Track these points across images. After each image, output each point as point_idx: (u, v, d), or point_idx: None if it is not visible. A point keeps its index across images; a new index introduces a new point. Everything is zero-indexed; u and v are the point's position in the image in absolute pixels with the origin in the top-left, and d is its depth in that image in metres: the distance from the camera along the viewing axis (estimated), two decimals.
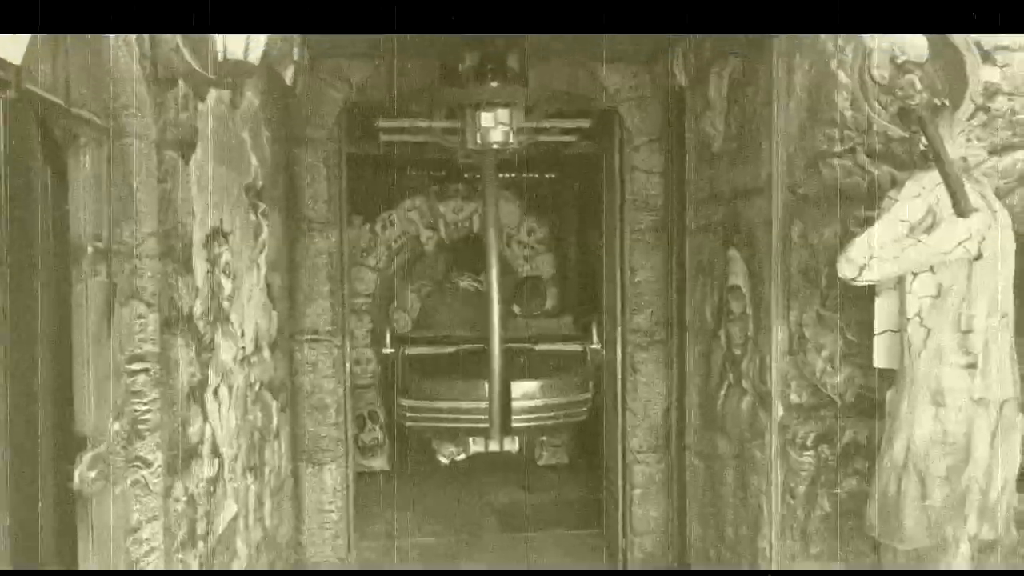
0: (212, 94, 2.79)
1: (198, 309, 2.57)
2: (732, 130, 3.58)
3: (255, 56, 2.68)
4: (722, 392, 3.59)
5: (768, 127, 3.25)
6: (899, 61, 2.72)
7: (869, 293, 2.95)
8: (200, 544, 2.50)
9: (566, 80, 4.16)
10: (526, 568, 4.08)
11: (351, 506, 3.99)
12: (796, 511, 3.17)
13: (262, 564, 3.29)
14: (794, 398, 3.18)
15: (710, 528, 3.72)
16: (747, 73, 3.43)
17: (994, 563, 3.16)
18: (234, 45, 2.63)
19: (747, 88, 3.43)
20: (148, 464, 2.13)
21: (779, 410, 3.18)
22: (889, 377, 2.93)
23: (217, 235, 2.79)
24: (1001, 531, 2.79)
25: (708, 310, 3.75)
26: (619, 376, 4.17)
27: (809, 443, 3.17)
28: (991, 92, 3.04)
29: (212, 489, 2.61)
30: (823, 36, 3.10)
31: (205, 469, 2.54)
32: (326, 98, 3.99)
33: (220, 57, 2.65)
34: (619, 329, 4.17)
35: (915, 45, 2.70)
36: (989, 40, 3.10)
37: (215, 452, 2.64)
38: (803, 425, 3.18)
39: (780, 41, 3.18)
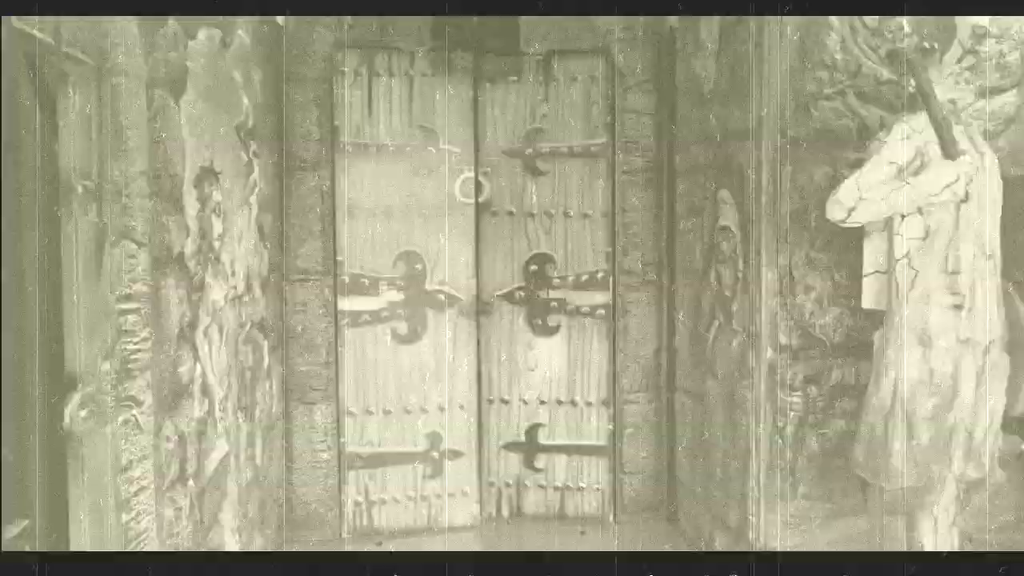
0: (203, 32, 2.75)
1: (188, 249, 2.57)
2: (723, 72, 3.55)
3: None
4: (712, 333, 3.63)
5: (758, 69, 3.23)
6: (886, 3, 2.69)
7: (857, 235, 2.97)
8: (190, 482, 2.54)
9: (559, 22, 4.10)
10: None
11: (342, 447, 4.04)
12: (784, 451, 3.23)
13: (252, 502, 3.35)
14: (783, 339, 3.21)
15: (699, 468, 3.80)
16: (739, 17, 3.38)
17: (979, 502, 3.26)
18: None
19: (737, 30, 3.39)
20: (138, 403, 2.16)
21: (768, 351, 3.22)
22: (877, 318, 2.97)
23: (207, 175, 2.78)
24: (987, 470, 2.85)
25: (698, 251, 3.76)
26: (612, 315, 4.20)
27: (797, 383, 3.22)
28: (979, 35, 3.01)
29: (203, 428, 2.65)
30: None
31: (195, 409, 2.57)
32: (317, 36, 3.93)
33: None
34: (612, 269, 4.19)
35: None
36: None
37: (205, 392, 2.67)
38: (792, 366, 3.22)
39: None
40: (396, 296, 4.05)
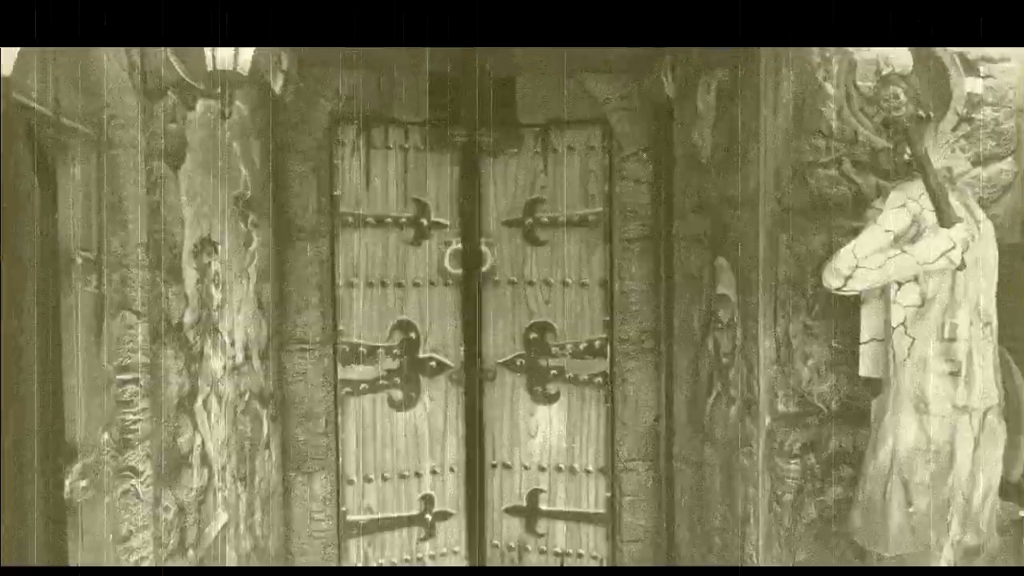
0: (201, 104, 2.81)
1: (187, 319, 2.58)
2: (719, 140, 3.62)
3: (244, 66, 2.70)
4: (710, 400, 3.62)
5: (755, 138, 3.29)
6: (884, 73, 2.76)
7: (855, 303, 2.98)
8: (190, 552, 2.50)
9: (555, 91, 4.18)
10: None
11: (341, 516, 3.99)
12: (783, 518, 3.19)
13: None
14: (781, 407, 3.20)
15: (698, 535, 3.74)
16: (734, 84, 3.46)
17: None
18: (223, 55, 2.65)
19: (734, 99, 3.47)
20: (138, 473, 2.14)
21: (766, 418, 3.20)
22: (874, 386, 2.96)
23: (206, 245, 2.80)
24: (984, 537, 2.81)
25: (696, 319, 3.77)
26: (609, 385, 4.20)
27: (796, 451, 3.20)
28: (974, 103, 3.08)
29: (202, 498, 2.62)
30: (810, 48, 3.14)
31: (195, 478, 2.55)
32: (315, 107, 4.00)
33: (209, 67, 2.68)
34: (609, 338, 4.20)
35: (899, 57, 2.74)
36: (973, 51, 3.14)
37: (205, 461, 2.65)
38: (790, 433, 3.20)
39: (767, 52, 3.22)
40: (392, 364, 4.06)
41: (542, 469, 4.23)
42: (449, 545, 4.15)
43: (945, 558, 2.76)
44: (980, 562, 3.18)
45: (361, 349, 4.01)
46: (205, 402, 2.68)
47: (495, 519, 4.27)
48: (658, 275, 4.16)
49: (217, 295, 2.86)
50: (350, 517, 3.99)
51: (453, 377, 4.12)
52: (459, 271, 4.14)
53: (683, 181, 3.97)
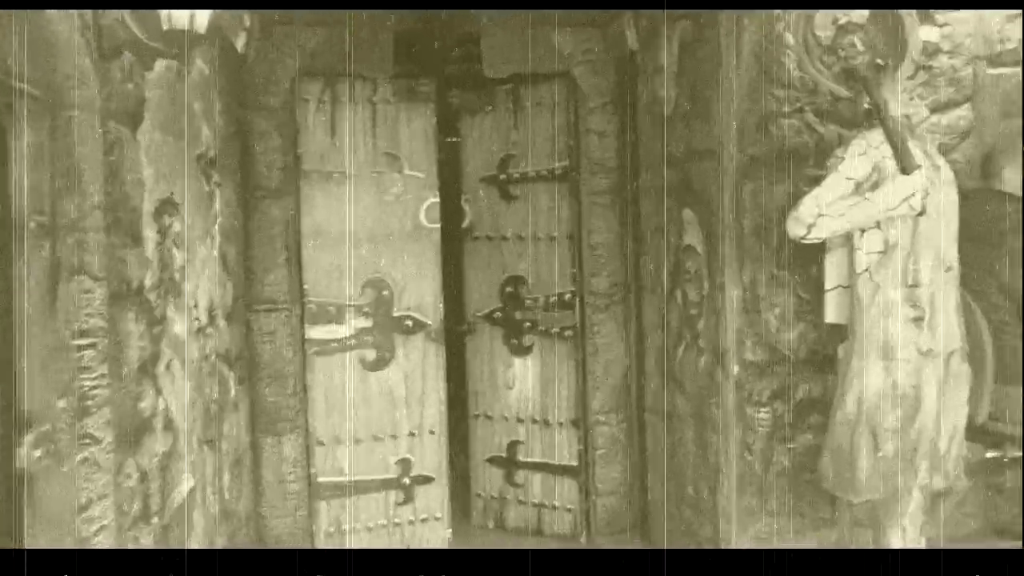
0: (159, 64, 2.73)
1: (148, 281, 2.54)
2: (683, 93, 3.59)
3: (201, 25, 2.63)
4: (679, 351, 3.64)
5: (717, 89, 3.27)
6: (841, 22, 2.75)
7: (820, 250, 3.01)
8: (155, 519, 2.49)
9: (520, 46, 4.12)
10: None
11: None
12: (753, 466, 3.24)
13: (221, 537, 3.29)
14: (749, 356, 3.23)
15: (671, 486, 3.79)
16: (696, 36, 3.44)
17: (946, 511, 3.28)
18: (179, 15, 2.58)
19: (697, 51, 3.44)
20: (97, 441, 2.11)
21: (734, 368, 3.23)
22: (840, 332, 3.00)
23: (167, 206, 2.75)
24: (952, 479, 2.88)
25: (664, 271, 3.78)
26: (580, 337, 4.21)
27: (764, 399, 3.24)
28: (931, 51, 3.08)
29: (167, 463, 2.60)
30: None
31: (159, 444, 2.53)
32: (279, 65, 3.92)
33: (165, 27, 2.60)
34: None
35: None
36: None
37: (169, 426, 2.62)
38: (758, 382, 3.24)
39: (726, 2, 3.18)
40: (364, 323, 4.03)
41: (520, 420, 4.27)
42: (430, 511, 4.14)
43: (914, 501, 2.82)
44: (949, 504, 3.27)
45: (330, 308, 3.97)
46: (168, 366, 2.65)
47: (478, 470, 4.35)
48: (625, 228, 4.15)
49: (179, 257, 2.82)
50: (320, 479, 3.99)
51: (432, 335, 4.10)
52: (436, 226, 4.10)
53: (648, 134, 3.95)
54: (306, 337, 3.96)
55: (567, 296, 4.21)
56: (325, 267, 3.97)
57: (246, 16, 3.59)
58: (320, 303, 3.96)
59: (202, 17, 2.51)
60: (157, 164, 2.64)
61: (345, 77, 3.99)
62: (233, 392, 3.50)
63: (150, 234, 2.58)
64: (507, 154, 4.24)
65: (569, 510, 4.23)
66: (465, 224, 4.30)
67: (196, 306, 2.96)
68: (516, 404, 4.29)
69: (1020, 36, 3.37)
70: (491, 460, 4.35)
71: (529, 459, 4.29)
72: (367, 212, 4.00)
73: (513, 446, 4.30)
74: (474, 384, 4.36)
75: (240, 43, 3.61)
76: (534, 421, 4.27)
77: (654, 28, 3.77)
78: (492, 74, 4.16)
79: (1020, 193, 2.94)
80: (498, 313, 4.29)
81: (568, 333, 4.22)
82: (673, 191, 3.67)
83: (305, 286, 3.95)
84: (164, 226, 2.70)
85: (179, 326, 2.77)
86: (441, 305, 4.12)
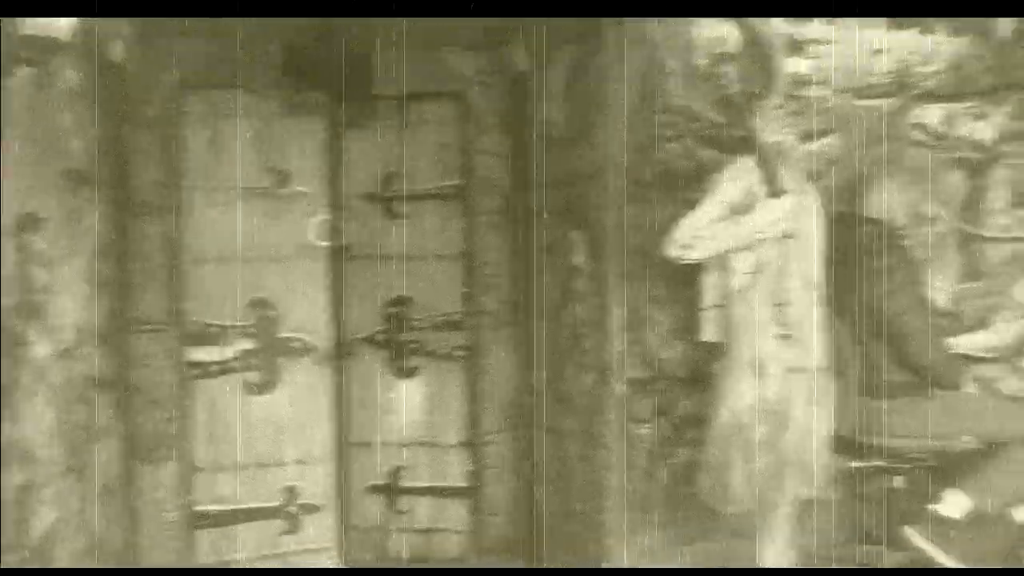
0: (21, 71, 2.60)
1: (6, 302, 2.40)
2: (571, 115, 3.67)
3: (64, 32, 2.52)
4: (567, 370, 3.69)
5: (603, 113, 3.35)
6: (717, 52, 2.86)
7: (698, 271, 3.10)
8: (6, 556, 2.33)
9: (412, 64, 4.12)
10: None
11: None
12: (637, 483, 3.31)
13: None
14: (632, 374, 3.31)
15: (559, 503, 3.82)
16: (583, 60, 3.52)
17: (814, 521, 3.42)
18: (39, 22, 2.46)
19: (583, 75, 3.52)
20: None
21: (618, 386, 3.30)
22: (716, 350, 3.09)
23: (29, 222, 2.61)
24: (820, 491, 3.00)
25: (554, 290, 3.83)
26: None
27: (647, 416, 3.32)
28: (801, 82, 3.24)
29: (22, 497, 2.44)
30: (652, 26, 3.22)
31: (14, 476, 2.37)
32: (160, 75, 3.79)
33: (25, 32, 2.48)
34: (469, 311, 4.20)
35: (730, 37, 2.85)
36: (801, 33, 3.31)
37: (28, 455, 2.47)
38: (641, 399, 3.31)
39: (611, 30, 3.28)
40: (248, 345, 3.91)
41: (404, 446, 4.20)
42: (318, 541, 4.03)
43: (783, 512, 2.93)
44: (820, 516, 3.41)
45: (212, 329, 3.84)
46: (28, 391, 2.50)
47: (356, 501, 4.21)
48: (516, 248, 4.19)
49: (42, 275, 2.67)
50: (198, 508, 3.84)
51: (319, 358, 4.00)
52: (325, 244, 4.01)
53: (538, 155, 4.00)
54: (186, 360, 3.81)
55: (457, 316, 4.21)
56: (207, 286, 3.84)
57: (123, 23, 3.46)
58: (201, 324, 3.83)
59: (65, 23, 2.40)
60: (17, 178, 2.50)
61: (231, 89, 3.89)
62: (103, 417, 3.33)
63: (9, 252, 2.44)
64: (392, 171, 4.18)
65: (458, 532, 4.21)
66: (345, 243, 4.12)
67: (62, 328, 2.81)
68: (400, 429, 4.21)
69: (884, 70, 3.59)
70: (370, 489, 4.23)
71: (415, 484, 4.22)
72: (252, 229, 3.90)
73: (396, 472, 4.22)
74: (350, 411, 4.18)
75: (117, 52, 3.47)
76: (420, 444, 4.21)
77: (544, 51, 3.83)
78: (382, 91, 4.14)
79: (882, 217, 3.11)
80: (380, 336, 4.21)
81: (459, 353, 4.21)
82: (561, 212, 3.73)
83: (185, 306, 3.81)
84: (25, 243, 2.56)
85: (42, 349, 2.62)
86: (330, 326, 4.03)
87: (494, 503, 4.20)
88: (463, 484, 4.21)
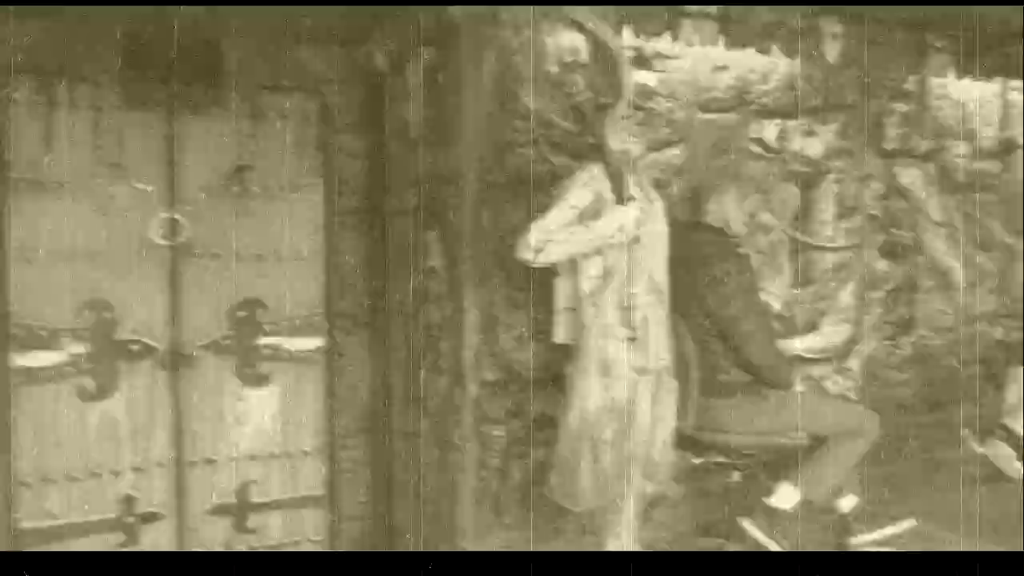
0: None
1: None
2: (428, 117, 3.66)
3: None
4: (423, 372, 3.68)
5: (459, 116, 3.37)
6: (567, 61, 2.94)
7: (552, 274, 3.17)
8: None
9: (266, 58, 4.00)
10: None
11: None
12: (490, 483, 3.34)
13: None
14: (487, 375, 3.34)
15: (414, 505, 3.80)
16: (440, 62, 3.52)
17: (660, 516, 3.56)
18: None
19: (440, 77, 3.52)
20: None
21: (472, 387, 3.32)
22: (568, 352, 3.17)
23: None
24: (664, 486, 3.13)
25: (410, 292, 3.81)
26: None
27: (501, 417, 3.35)
28: (648, 93, 3.38)
29: None
30: (507, 32, 3.26)
31: None
32: None
33: None
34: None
35: (580, 47, 2.93)
36: (648, 47, 3.45)
37: None
38: (495, 401, 3.35)
39: (467, 34, 3.30)
40: (81, 348, 3.66)
41: (253, 458, 4.03)
42: (158, 549, 3.81)
43: (631, 508, 3.03)
44: (663, 509, 3.55)
45: (41, 332, 3.58)
46: None
47: (199, 522, 3.93)
48: (373, 249, 4.14)
49: None
50: (25, 524, 3.56)
51: (160, 362, 3.79)
52: (167, 242, 3.81)
53: (396, 155, 3.98)
54: (11, 365, 3.53)
55: (314, 319, 4.10)
56: (35, 287, 3.57)
57: None
58: (28, 327, 3.56)
59: None
60: None
61: (65, 77, 3.63)
62: None
63: None
64: (243, 165, 3.95)
65: (313, 541, 4.10)
66: (185, 240, 3.82)
67: None
68: (250, 440, 3.99)
69: (725, 86, 3.79)
70: (215, 509, 3.95)
71: (266, 499, 4.07)
72: (87, 226, 3.65)
73: (245, 488, 4.00)
74: (191, 425, 3.89)
75: None
76: (272, 456, 4.05)
77: (401, 51, 3.81)
78: (232, 83, 3.98)
79: (720, 225, 3.28)
80: (227, 341, 3.96)
81: (315, 357, 4.11)
82: (419, 213, 3.72)
83: (10, 308, 3.52)
84: None
85: None
86: (169, 329, 3.82)
87: (351, 508, 4.13)
88: (319, 492, 4.11)
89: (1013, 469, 4.09)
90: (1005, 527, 3.69)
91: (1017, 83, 4.49)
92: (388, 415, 4.10)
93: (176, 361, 3.84)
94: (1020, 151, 4.58)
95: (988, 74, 4.37)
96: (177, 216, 3.79)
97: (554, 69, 3.07)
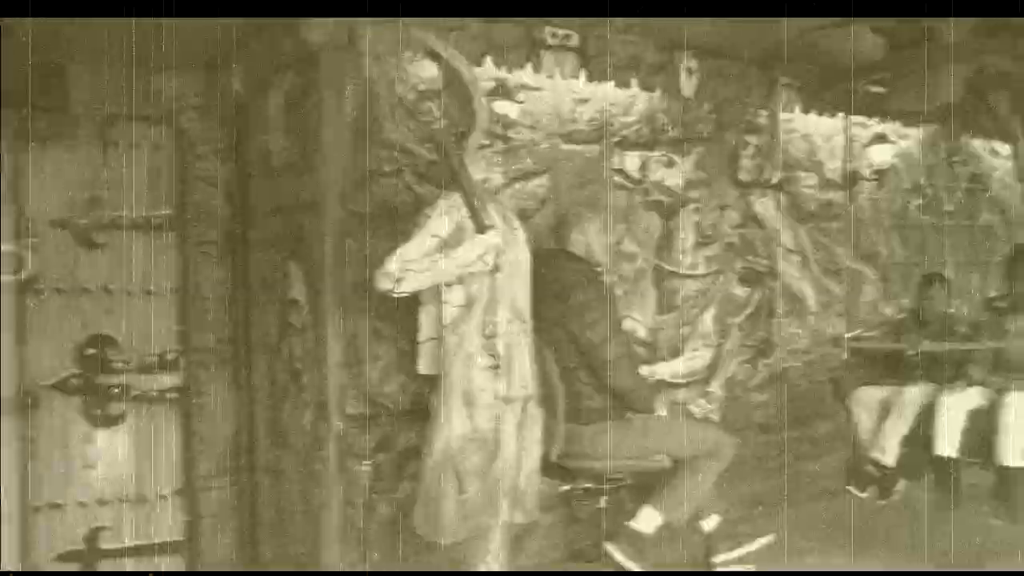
0: None
1: None
2: (290, 145, 3.58)
3: None
4: (286, 407, 3.56)
5: (321, 145, 3.30)
6: (421, 88, 2.92)
7: (416, 304, 3.13)
8: None
9: (117, 83, 3.81)
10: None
11: None
12: (356, 519, 3.24)
13: None
14: (351, 409, 3.25)
15: (279, 548, 3.65)
16: (302, 90, 3.45)
17: (531, 544, 3.54)
18: None
19: (302, 105, 3.45)
20: None
21: (337, 422, 3.23)
22: (433, 382, 3.12)
23: None
24: (531, 515, 3.10)
25: (272, 325, 3.69)
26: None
27: (367, 451, 3.27)
28: (507, 123, 3.41)
29: None
30: (368, 60, 3.24)
31: None
32: None
33: None
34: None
35: (432, 76, 2.92)
36: (512, 79, 3.49)
37: None
38: (361, 434, 3.26)
39: (329, 63, 3.25)
40: None
41: (104, 503, 3.77)
42: None
43: (497, 539, 2.98)
44: (535, 539, 3.53)
45: None
46: None
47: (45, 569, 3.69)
48: (235, 281, 3.99)
49: None
50: None
51: (6, 407, 3.51)
52: (9, 276, 3.55)
53: (257, 184, 3.86)
54: None
55: (169, 355, 3.91)
56: None
57: None
58: None
59: None
60: None
61: None
62: None
63: None
64: (92, 196, 3.77)
65: None
66: (26, 275, 3.62)
67: None
68: (100, 484, 3.76)
69: (587, 117, 3.88)
70: (62, 557, 3.71)
71: (118, 545, 3.80)
72: None
73: (95, 534, 3.75)
74: (36, 470, 3.64)
75: None
76: (125, 500, 3.80)
77: (262, 78, 3.72)
78: (82, 111, 3.78)
79: (583, 253, 3.33)
80: (74, 380, 3.73)
81: (172, 395, 3.91)
82: (281, 243, 3.62)
83: None
84: None
85: None
86: (14, 370, 3.55)
87: (213, 553, 3.92)
88: (178, 537, 3.89)
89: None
90: (871, 538, 3.87)
91: (859, 118, 4.80)
92: (252, 453, 3.94)
93: (20, 402, 3.58)
94: (863, 183, 4.89)
95: (831, 109, 4.65)
96: (12, 248, 3.56)
97: (411, 97, 3.05)
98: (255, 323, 3.88)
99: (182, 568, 3.88)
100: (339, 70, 3.25)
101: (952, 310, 4.54)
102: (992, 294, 4.76)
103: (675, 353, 4.13)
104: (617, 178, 3.96)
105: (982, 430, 3.85)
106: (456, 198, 2.90)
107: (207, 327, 3.96)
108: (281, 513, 3.64)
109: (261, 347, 3.82)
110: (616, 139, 3.94)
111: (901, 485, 4.02)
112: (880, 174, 4.85)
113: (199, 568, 3.88)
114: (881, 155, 4.78)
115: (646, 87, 3.97)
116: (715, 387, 4.24)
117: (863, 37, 3.91)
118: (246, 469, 3.98)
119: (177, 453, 3.92)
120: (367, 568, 3.24)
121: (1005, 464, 3.76)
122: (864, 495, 4.04)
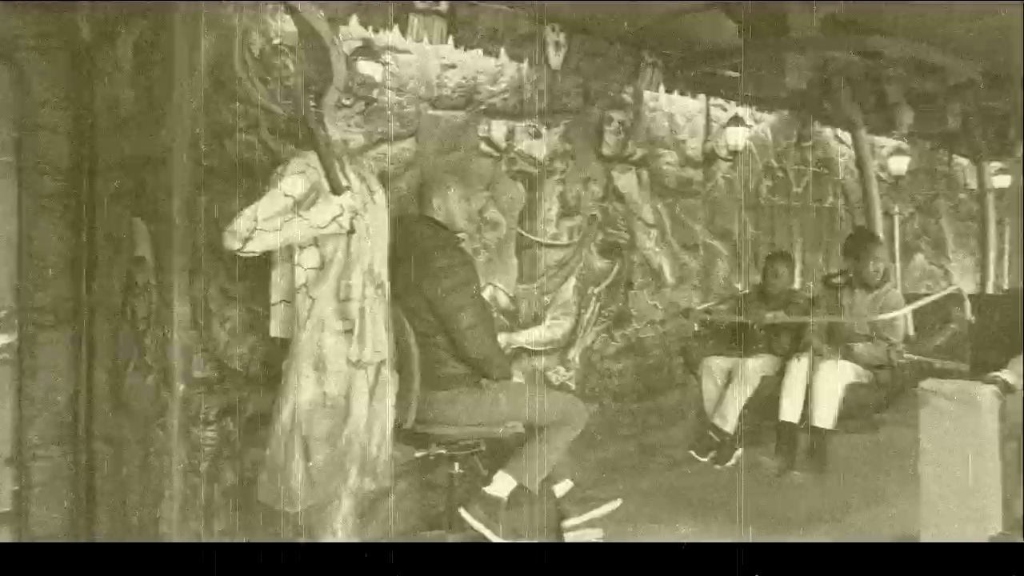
0: None
1: None
2: (140, 96, 3.38)
3: None
4: (128, 371, 3.39)
5: (172, 97, 3.14)
6: (275, 42, 2.82)
7: (269, 265, 3.03)
8: None
9: None
10: None
11: None
12: (199, 488, 3.14)
13: None
14: (197, 372, 3.14)
15: (117, 518, 3.49)
16: (153, 40, 3.26)
17: (382, 512, 3.53)
18: None
19: (153, 55, 3.26)
20: None
21: (180, 386, 3.10)
22: (285, 347, 3.05)
23: None
24: (382, 481, 3.09)
25: (116, 284, 3.50)
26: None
27: (212, 417, 3.17)
28: (371, 85, 3.34)
29: None
30: (228, 10, 3.09)
31: None
32: None
33: None
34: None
35: (287, 31, 2.81)
36: (379, 40, 3.42)
37: None
38: (207, 399, 3.15)
39: (184, 9, 3.08)
40: None
41: None
42: None
43: (345, 506, 2.95)
44: (385, 503, 3.51)
45: None
46: None
47: None
48: (78, 236, 3.75)
49: None
50: None
51: None
52: None
53: (104, 135, 3.63)
54: None
55: (2, 312, 3.65)
56: None
57: None
58: None
59: None
60: None
61: None
62: None
63: None
64: None
65: None
66: None
67: None
68: None
69: (454, 84, 3.85)
70: None
71: None
72: None
73: None
74: None
75: None
76: None
77: (112, 23, 3.49)
78: None
79: (444, 220, 3.31)
80: None
81: (5, 356, 3.65)
82: (127, 198, 3.43)
83: None
84: None
85: None
86: None
87: (44, 525, 3.70)
88: (5, 509, 3.65)
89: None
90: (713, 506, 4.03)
91: (718, 101, 4.99)
92: (90, 419, 3.73)
93: None
94: (720, 162, 5.09)
95: (693, 90, 4.81)
96: None
97: (268, 52, 2.94)
98: (99, 281, 3.66)
99: (11, 538, 3.65)
100: (193, 19, 3.09)
101: (797, 287, 4.80)
102: (831, 271, 5.06)
103: (536, 321, 4.20)
104: (483, 146, 3.96)
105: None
106: (312, 157, 2.81)
107: (46, 285, 3.71)
108: (120, 483, 3.48)
109: (104, 307, 3.61)
110: (483, 107, 3.94)
111: (740, 451, 4.24)
112: (735, 155, 5.07)
113: (25, 541, 3.66)
114: (736, 137, 4.99)
115: (514, 57, 3.97)
116: (573, 355, 4.34)
117: (722, 23, 4.04)
118: (83, 437, 3.77)
119: (8, 418, 3.67)
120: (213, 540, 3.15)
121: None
122: (704, 460, 4.24)
